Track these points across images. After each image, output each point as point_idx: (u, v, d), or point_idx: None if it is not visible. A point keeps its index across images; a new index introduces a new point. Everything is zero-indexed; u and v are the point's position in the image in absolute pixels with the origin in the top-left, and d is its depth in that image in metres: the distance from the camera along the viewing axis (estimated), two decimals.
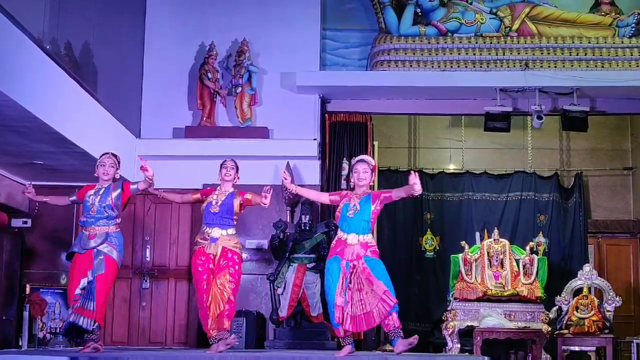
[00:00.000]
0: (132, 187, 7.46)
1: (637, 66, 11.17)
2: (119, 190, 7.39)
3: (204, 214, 7.55)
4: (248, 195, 7.65)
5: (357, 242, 6.99)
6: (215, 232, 7.48)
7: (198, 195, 7.72)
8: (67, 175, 10.38)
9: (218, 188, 7.67)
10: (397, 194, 7.15)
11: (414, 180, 6.82)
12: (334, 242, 7.15)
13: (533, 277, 10.38)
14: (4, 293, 9.98)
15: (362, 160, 7.19)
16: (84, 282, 7.20)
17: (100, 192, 7.37)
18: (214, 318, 7.29)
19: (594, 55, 11.27)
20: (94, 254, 7.25)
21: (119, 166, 7.54)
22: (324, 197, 7.49)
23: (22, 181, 10.75)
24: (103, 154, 7.57)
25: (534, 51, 11.32)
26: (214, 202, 7.51)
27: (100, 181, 7.47)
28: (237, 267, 7.45)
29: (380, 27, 11.57)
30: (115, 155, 7.55)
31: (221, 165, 7.73)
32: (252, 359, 7.16)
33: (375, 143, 11.67)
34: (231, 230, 7.54)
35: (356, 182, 7.12)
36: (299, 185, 10.68)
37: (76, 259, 7.33)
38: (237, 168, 7.77)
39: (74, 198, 7.58)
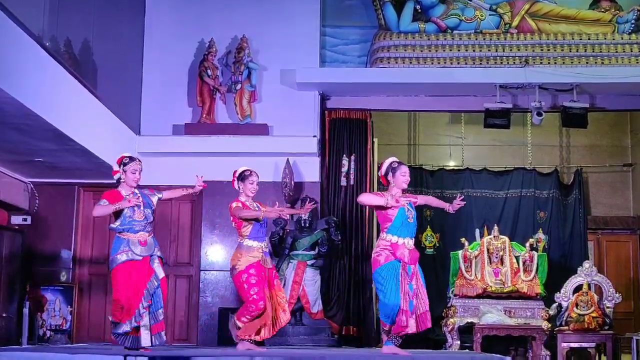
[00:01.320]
0: (157, 197, 7.46)
1: (637, 62, 11.17)
2: (156, 197, 7.41)
3: (253, 228, 7.47)
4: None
5: (412, 246, 7.03)
6: (265, 245, 7.58)
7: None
8: (67, 172, 10.39)
9: (249, 200, 7.58)
10: (427, 201, 7.45)
11: (459, 206, 7.12)
12: (384, 245, 6.96)
13: (533, 273, 10.39)
14: (4, 290, 9.98)
15: (403, 163, 7.18)
16: (151, 287, 7.13)
17: (140, 199, 7.23)
18: (271, 325, 7.48)
19: (593, 51, 11.26)
20: (150, 260, 7.21)
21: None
22: (380, 201, 7.02)
23: (22, 178, 10.75)
24: (132, 159, 7.36)
25: (533, 48, 11.31)
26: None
27: (125, 187, 7.28)
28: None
29: (380, 24, 11.56)
30: (140, 161, 7.45)
31: (248, 176, 7.60)
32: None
33: (375, 140, 11.67)
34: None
35: (402, 185, 7.04)
36: (297, 182, 10.79)
37: (130, 266, 7.13)
38: None
39: (107, 202, 7.14)
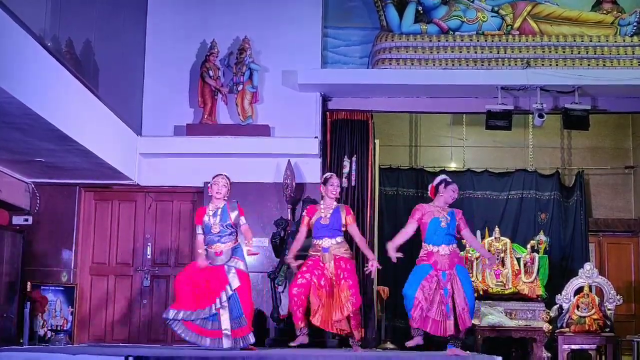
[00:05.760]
0: (243, 219, 8.02)
1: (639, 65, 11.16)
2: (236, 212, 7.96)
3: (314, 228, 8.20)
4: (350, 218, 8.33)
5: (449, 252, 7.68)
6: (326, 242, 8.12)
7: (305, 214, 8.37)
8: (69, 172, 10.38)
9: (322, 203, 8.30)
10: (471, 242, 8.48)
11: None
12: (422, 254, 7.75)
13: (534, 275, 10.40)
14: (5, 290, 9.99)
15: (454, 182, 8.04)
16: (224, 295, 7.73)
17: (219, 213, 7.92)
18: (329, 320, 8.07)
19: (595, 53, 11.24)
20: (226, 270, 7.80)
21: (230, 186, 8.08)
22: (412, 227, 7.95)
23: (23, 179, 10.76)
24: (217, 175, 8.09)
25: (535, 49, 11.31)
26: (323, 216, 8.18)
27: (213, 200, 8.00)
28: (352, 277, 8.15)
29: (382, 25, 11.56)
30: (227, 177, 8.10)
31: (328, 180, 8.29)
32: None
33: (377, 141, 11.65)
34: (340, 239, 8.20)
35: (448, 201, 7.94)
36: (298, 183, 10.77)
37: (197, 269, 7.84)
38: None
39: (200, 232, 8.01)
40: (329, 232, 8.18)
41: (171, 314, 7.78)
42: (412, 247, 7.99)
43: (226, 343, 7.67)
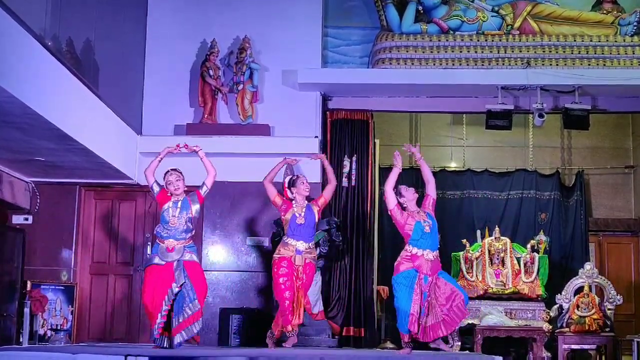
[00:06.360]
0: (202, 191, 7.95)
1: (639, 65, 11.16)
2: (197, 205, 7.85)
3: (289, 227, 8.32)
4: (321, 200, 8.57)
5: (432, 257, 7.71)
6: (301, 245, 8.28)
7: (280, 201, 8.46)
8: (69, 172, 10.39)
9: (294, 202, 8.42)
10: (432, 187, 8.09)
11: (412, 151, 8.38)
12: (404, 256, 7.76)
13: (534, 275, 10.39)
14: (5, 289, 9.98)
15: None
16: (170, 293, 7.60)
17: (179, 205, 7.77)
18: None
19: (595, 53, 11.25)
20: (174, 265, 7.66)
21: (183, 178, 7.92)
22: (392, 200, 7.91)
23: (23, 178, 10.76)
24: (166, 172, 7.90)
25: (535, 49, 11.31)
26: (297, 215, 8.31)
27: (173, 195, 7.84)
28: (310, 283, 8.49)
29: (382, 25, 11.57)
30: (176, 169, 7.94)
31: (296, 180, 8.49)
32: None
33: (377, 141, 11.66)
34: (312, 244, 8.39)
35: (415, 198, 7.93)
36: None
37: (155, 270, 7.70)
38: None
39: (155, 190, 7.87)
40: (306, 233, 8.36)
41: (153, 333, 7.66)
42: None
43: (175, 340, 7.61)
